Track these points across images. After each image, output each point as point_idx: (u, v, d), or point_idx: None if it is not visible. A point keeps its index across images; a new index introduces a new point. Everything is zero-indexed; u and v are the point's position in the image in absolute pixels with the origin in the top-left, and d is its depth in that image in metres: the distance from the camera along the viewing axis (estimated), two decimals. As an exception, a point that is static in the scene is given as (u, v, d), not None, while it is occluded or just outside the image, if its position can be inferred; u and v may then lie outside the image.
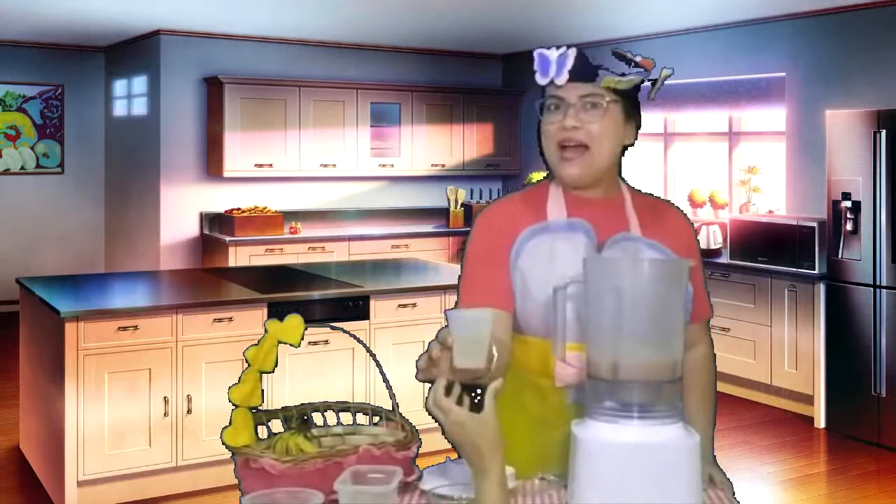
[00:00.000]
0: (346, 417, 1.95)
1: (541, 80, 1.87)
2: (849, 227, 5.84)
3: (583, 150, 1.85)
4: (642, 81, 1.89)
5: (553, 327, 1.81)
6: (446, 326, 1.56)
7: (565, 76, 1.84)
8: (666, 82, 1.91)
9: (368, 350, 1.87)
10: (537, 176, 7.36)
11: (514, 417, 1.86)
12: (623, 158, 1.97)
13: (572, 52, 1.84)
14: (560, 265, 1.81)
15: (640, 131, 1.97)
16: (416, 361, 1.61)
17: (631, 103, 1.91)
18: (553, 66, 1.85)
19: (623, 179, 1.98)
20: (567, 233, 1.86)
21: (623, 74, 1.87)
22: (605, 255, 1.84)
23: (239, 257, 7.77)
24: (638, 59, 1.89)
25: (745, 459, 5.46)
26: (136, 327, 4.60)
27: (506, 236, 1.86)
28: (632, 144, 1.95)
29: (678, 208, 2.02)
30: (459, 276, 1.92)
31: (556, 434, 1.77)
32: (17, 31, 8.63)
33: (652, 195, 2.03)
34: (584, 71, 1.85)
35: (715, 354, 2.08)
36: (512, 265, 1.86)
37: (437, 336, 1.57)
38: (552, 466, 1.82)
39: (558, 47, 1.87)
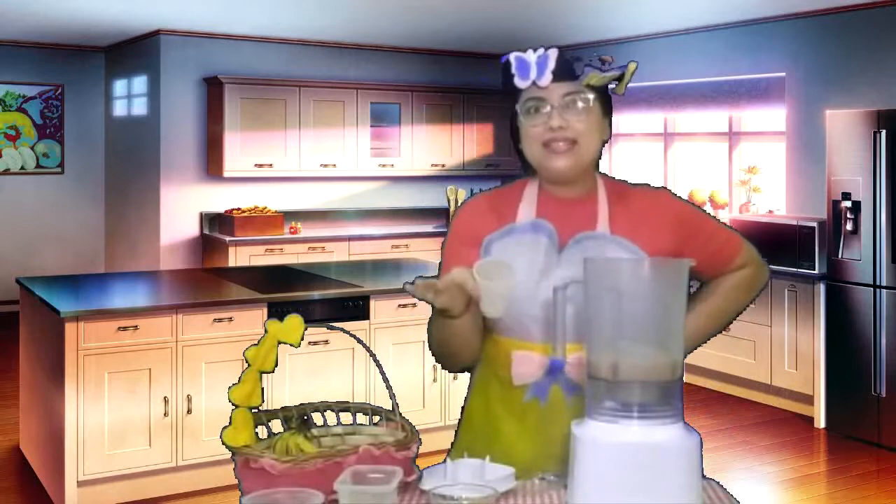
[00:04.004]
0: (346, 417, 1.95)
1: (521, 83, 1.88)
2: (849, 227, 5.84)
3: (571, 145, 1.87)
4: (622, 75, 1.88)
5: (553, 328, 1.81)
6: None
7: (548, 77, 1.85)
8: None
9: (368, 350, 1.87)
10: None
11: (480, 404, 1.98)
12: (600, 154, 1.98)
13: (553, 53, 1.86)
14: (519, 266, 1.84)
15: (613, 128, 1.99)
16: (414, 281, 1.71)
17: (606, 101, 1.93)
18: (533, 68, 1.86)
19: (600, 173, 1.99)
20: (530, 235, 1.89)
21: (603, 67, 1.88)
22: (563, 255, 1.86)
23: (239, 257, 7.77)
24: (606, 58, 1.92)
25: (745, 459, 5.46)
26: (136, 327, 4.60)
27: (475, 241, 1.92)
28: (608, 139, 1.97)
29: (662, 191, 2.00)
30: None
31: (517, 424, 1.91)
32: (17, 31, 8.63)
33: (635, 187, 2.00)
34: (567, 70, 1.87)
35: (769, 273, 2.01)
36: None
37: (450, 282, 1.72)
38: (515, 453, 1.88)
39: (535, 49, 1.88)
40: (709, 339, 1.98)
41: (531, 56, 1.87)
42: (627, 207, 1.93)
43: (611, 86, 1.91)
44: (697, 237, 1.93)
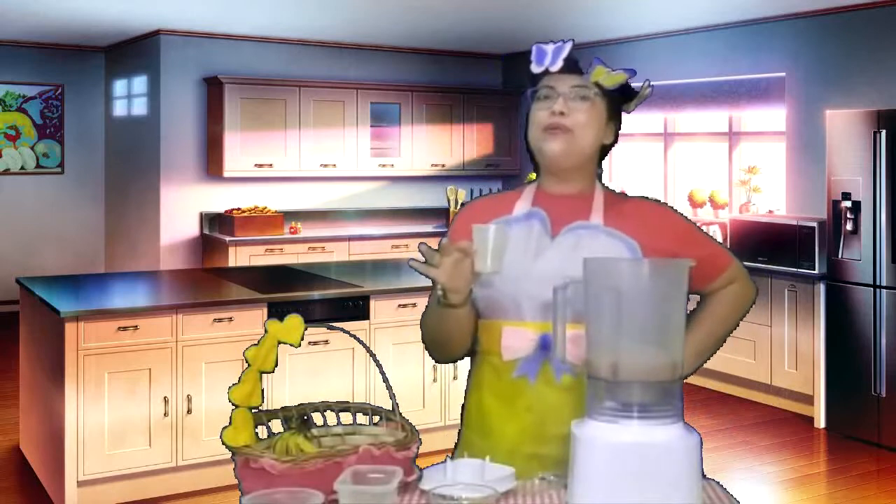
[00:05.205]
0: (346, 417, 1.95)
1: (536, 68, 2.00)
2: (849, 227, 5.84)
3: (567, 132, 1.95)
4: (629, 79, 1.99)
5: (553, 328, 1.81)
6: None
7: (560, 63, 1.97)
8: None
9: (368, 350, 1.87)
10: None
11: (475, 399, 2.00)
12: (602, 160, 2.05)
13: (568, 44, 1.99)
14: (511, 250, 1.91)
15: (618, 137, 2.06)
16: (420, 246, 1.84)
17: (614, 106, 2.02)
18: (549, 55, 1.99)
19: (600, 180, 2.06)
20: (523, 222, 1.98)
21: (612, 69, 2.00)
22: (556, 240, 1.93)
23: (239, 257, 7.77)
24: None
25: (745, 459, 5.46)
26: (136, 327, 4.60)
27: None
28: (611, 146, 2.05)
29: (661, 203, 2.07)
30: None
31: (506, 408, 1.93)
32: (17, 31, 8.63)
33: (633, 196, 2.06)
34: (577, 62, 1.99)
35: (755, 293, 2.05)
36: None
37: (448, 244, 1.82)
38: (508, 440, 1.92)
39: (555, 42, 2.00)
40: (700, 366, 2.02)
41: (549, 46, 2.00)
42: (624, 208, 2.00)
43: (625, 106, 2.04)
44: (690, 245, 1.96)
